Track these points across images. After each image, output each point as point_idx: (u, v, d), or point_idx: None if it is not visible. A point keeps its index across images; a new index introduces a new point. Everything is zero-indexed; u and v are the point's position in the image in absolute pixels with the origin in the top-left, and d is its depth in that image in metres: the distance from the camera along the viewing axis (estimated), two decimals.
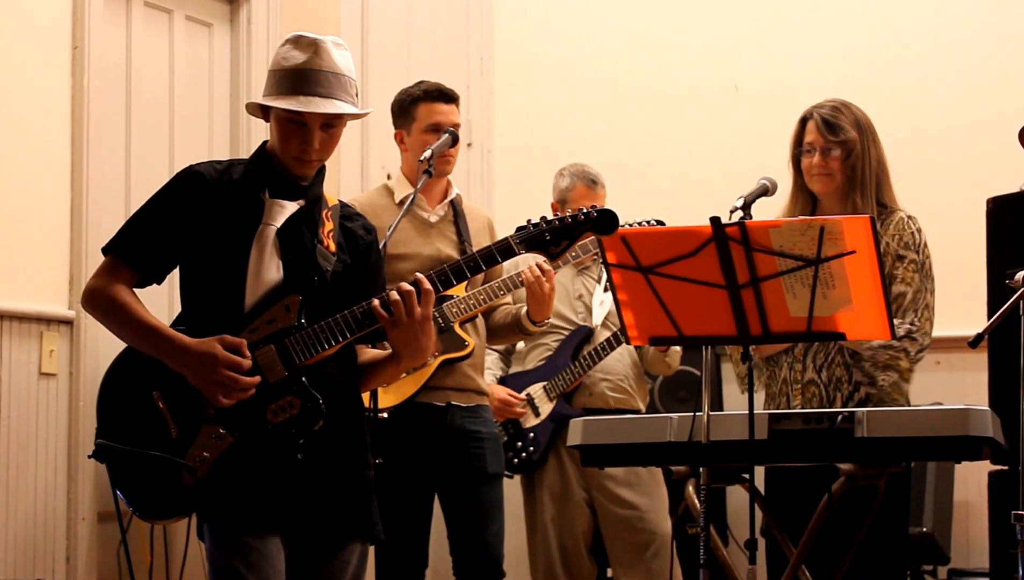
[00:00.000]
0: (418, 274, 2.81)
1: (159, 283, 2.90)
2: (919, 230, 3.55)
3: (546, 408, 4.44)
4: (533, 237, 2.82)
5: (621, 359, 4.45)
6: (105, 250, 2.87)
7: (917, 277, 3.49)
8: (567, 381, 4.41)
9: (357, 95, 2.86)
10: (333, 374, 2.85)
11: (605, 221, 2.81)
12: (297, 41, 2.82)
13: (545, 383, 4.45)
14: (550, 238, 2.81)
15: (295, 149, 2.81)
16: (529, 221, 2.84)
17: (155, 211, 2.86)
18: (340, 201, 3.00)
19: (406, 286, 2.77)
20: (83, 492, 4.15)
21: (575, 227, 2.81)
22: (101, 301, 2.82)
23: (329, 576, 2.86)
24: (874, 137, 3.59)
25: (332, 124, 2.81)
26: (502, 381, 4.55)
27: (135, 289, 2.86)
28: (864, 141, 3.54)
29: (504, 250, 2.83)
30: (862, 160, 3.53)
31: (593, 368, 4.41)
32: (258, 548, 2.76)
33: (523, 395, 4.46)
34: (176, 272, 2.93)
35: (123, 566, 4.32)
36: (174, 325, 2.86)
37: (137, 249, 2.84)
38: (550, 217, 2.83)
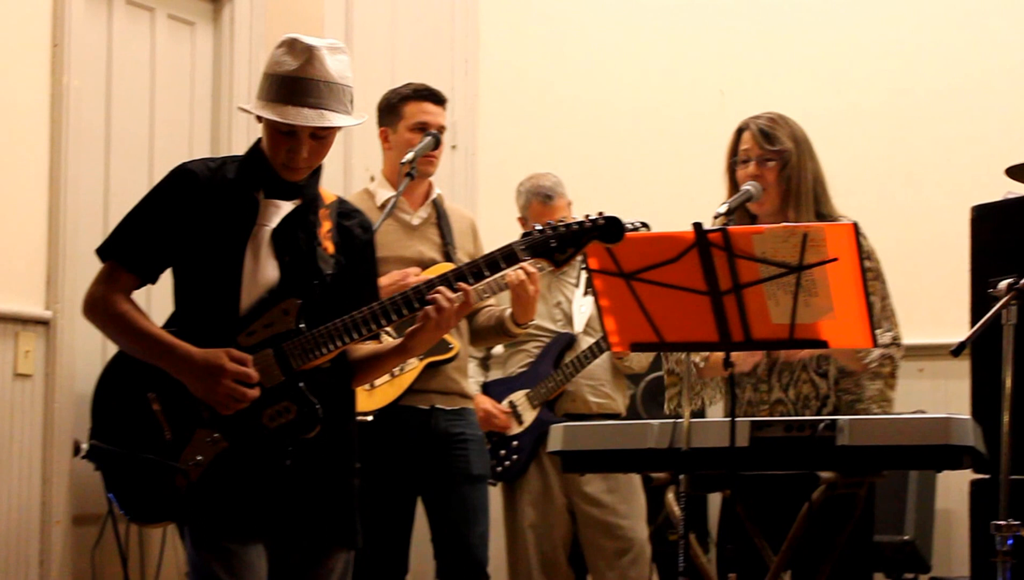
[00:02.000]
0: (462, 285, 2.79)
1: (153, 283, 2.88)
2: (864, 237, 3.52)
3: (529, 416, 4.42)
4: (538, 243, 2.80)
5: (600, 362, 4.44)
6: (102, 254, 2.85)
7: (879, 284, 3.47)
8: (550, 389, 4.40)
9: (351, 102, 2.81)
10: (325, 379, 2.83)
11: (612, 229, 2.80)
12: (292, 46, 2.77)
13: (528, 391, 4.43)
14: (556, 245, 2.80)
15: (283, 157, 2.79)
16: (534, 227, 2.83)
17: (148, 212, 2.85)
18: (339, 197, 2.97)
19: (449, 294, 2.77)
20: (57, 495, 4.12)
21: (582, 235, 2.80)
22: (100, 310, 2.81)
23: None
24: (810, 151, 3.56)
25: (321, 134, 2.77)
26: (484, 387, 4.52)
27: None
28: (800, 154, 3.52)
29: (508, 256, 2.81)
30: (798, 172, 3.50)
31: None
32: (239, 553, 2.74)
33: (506, 403, 4.43)
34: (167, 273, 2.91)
35: (99, 570, 4.29)
36: (165, 326, 2.85)
37: (135, 253, 2.82)
38: (555, 223, 2.82)
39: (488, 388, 4.51)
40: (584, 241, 2.79)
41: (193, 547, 2.78)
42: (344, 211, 2.93)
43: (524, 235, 2.82)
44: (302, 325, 2.76)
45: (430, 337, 2.81)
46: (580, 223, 2.80)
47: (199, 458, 2.75)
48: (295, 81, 2.73)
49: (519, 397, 4.43)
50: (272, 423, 2.75)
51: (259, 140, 2.88)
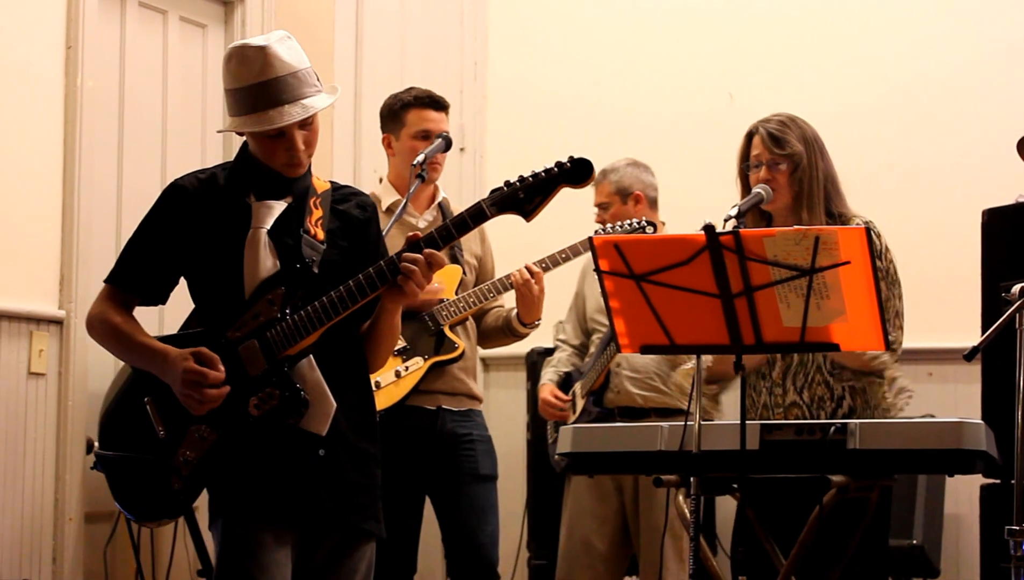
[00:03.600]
0: (421, 252, 2.76)
1: (163, 303, 2.93)
2: (879, 235, 3.53)
3: (580, 405, 4.37)
4: (505, 197, 2.75)
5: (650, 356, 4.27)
6: (105, 282, 2.90)
7: (883, 285, 3.46)
8: (591, 379, 4.33)
9: (319, 79, 2.83)
10: (346, 369, 2.85)
11: (579, 170, 2.74)
12: (242, 54, 2.78)
13: (582, 381, 4.39)
14: (523, 197, 2.74)
15: (283, 158, 2.81)
16: (505, 181, 2.78)
17: (145, 235, 2.89)
18: (332, 183, 2.97)
19: (415, 256, 2.74)
20: (71, 493, 4.14)
21: (549, 181, 2.74)
22: (97, 327, 2.87)
23: (338, 577, 2.85)
24: (821, 151, 3.57)
25: (309, 121, 2.79)
26: (567, 375, 4.45)
27: (138, 308, 2.89)
28: (811, 155, 3.53)
29: (476, 215, 2.77)
30: (809, 174, 3.51)
31: (617, 365, 4.29)
32: (270, 549, 2.76)
33: (569, 394, 4.39)
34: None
35: (111, 567, 4.30)
36: (185, 326, 2.90)
37: (133, 276, 2.86)
38: (523, 175, 2.77)
39: (571, 377, 4.45)
40: (551, 188, 2.74)
41: (223, 538, 2.80)
42: (339, 196, 2.94)
43: (492, 192, 2.78)
44: (287, 312, 2.77)
45: (405, 299, 2.80)
46: (547, 169, 2.75)
47: (190, 455, 2.78)
48: (265, 85, 2.74)
49: (578, 386, 4.39)
50: (258, 411, 2.77)
51: (245, 145, 2.90)
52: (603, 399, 4.35)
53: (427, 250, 2.76)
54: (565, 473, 4.40)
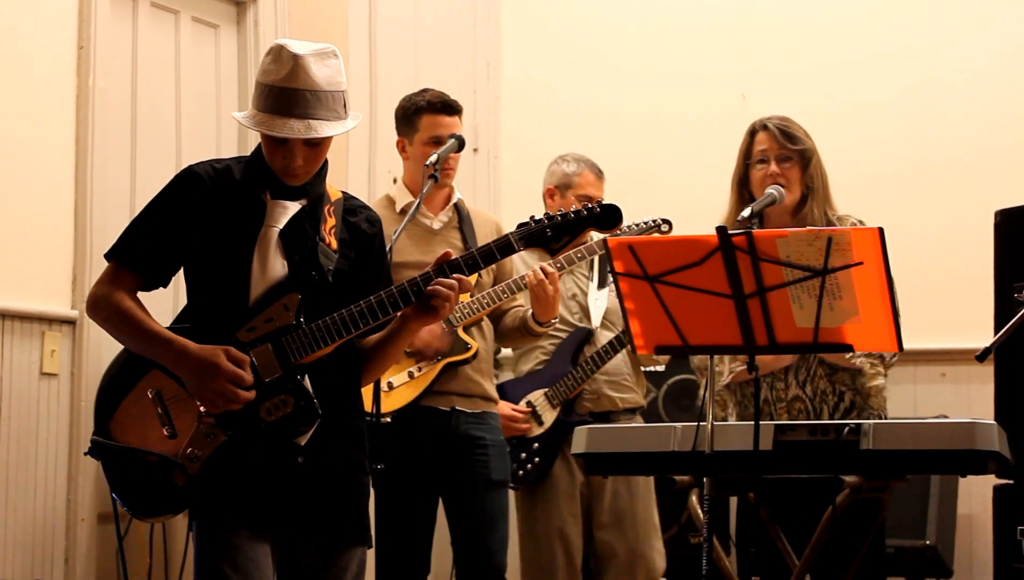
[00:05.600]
0: (448, 280, 2.79)
1: (165, 286, 2.90)
2: None
3: (549, 417, 4.29)
4: (533, 233, 2.80)
5: (620, 356, 4.31)
6: (107, 256, 2.87)
7: None
8: (569, 387, 4.28)
9: (345, 106, 2.79)
10: (334, 376, 2.84)
11: (608, 216, 2.79)
12: (279, 54, 2.76)
13: (546, 390, 4.31)
14: (551, 234, 2.79)
15: (279, 164, 2.80)
16: (532, 217, 2.82)
17: (154, 215, 2.86)
18: (344, 193, 2.98)
19: (450, 282, 2.78)
20: (83, 493, 4.14)
21: (577, 222, 2.79)
22: (103, 308, 2.83)
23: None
24: (818, 152, 3.61)
25: (315, 141, 2.77)
26: (498, 389, 4.39)
27: (141, 292, 2.86)
28: (815, 153, 3.56)
29: (504, 247, 2.81)
30: (819, 171, 3.54)
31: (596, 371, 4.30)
32: (246, 550, 2.75)
33: (523, 404, 4.32)
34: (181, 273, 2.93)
35: (121, 568, 4.31)
36: (176, 321, 2.87)
37: (138, 254, 2.83)
38: (551, 213, 2.81)
39: (503, 390, 4.36)
40: (579, 228, 2.79)
41: (200, 541, 2.79)
42: (350, 207, 2.94)
43: (520, 226, 2.82)
44: (301, 319, 2.76)
45: (433, 320, 2.83)
46: (576, 211, 2.79)
47: (198, 453, 2.77)
48: (281, 92, 2.73)
49: (537, 397, 4.32)
50: (270, 416, 2.76)
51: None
52: (573, 407, 4.32)
53: (456, 276, 2.79)
54: (523, 485, 4.35)
